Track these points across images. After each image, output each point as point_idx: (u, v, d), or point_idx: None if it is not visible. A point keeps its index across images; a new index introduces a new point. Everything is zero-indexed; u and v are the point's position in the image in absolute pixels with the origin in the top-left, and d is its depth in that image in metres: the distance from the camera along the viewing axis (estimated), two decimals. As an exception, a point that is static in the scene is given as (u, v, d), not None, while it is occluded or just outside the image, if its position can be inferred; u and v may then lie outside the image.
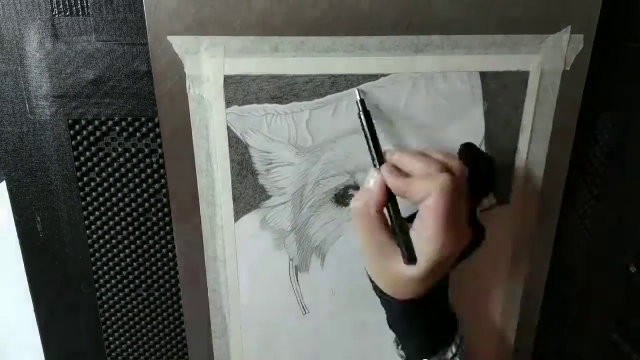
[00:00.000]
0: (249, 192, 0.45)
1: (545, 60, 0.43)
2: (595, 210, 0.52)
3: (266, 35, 0.41)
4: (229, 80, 0.42)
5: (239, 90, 0.42)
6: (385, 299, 0.41)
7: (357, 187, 0.46)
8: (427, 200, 0.37)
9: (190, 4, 0.39)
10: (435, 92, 0.44)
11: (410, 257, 0.38)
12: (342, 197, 0.46)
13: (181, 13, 0.39)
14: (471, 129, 0.45)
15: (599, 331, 0.57)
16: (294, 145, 0.44)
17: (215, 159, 0.44)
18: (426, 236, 0.37)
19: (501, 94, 0.44)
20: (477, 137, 0.45)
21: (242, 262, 0.48)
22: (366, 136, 0.41)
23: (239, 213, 0.46)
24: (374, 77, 0.43)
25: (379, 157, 0.41)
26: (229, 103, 0.42)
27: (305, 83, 0.42)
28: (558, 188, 0.49)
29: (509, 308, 0.52)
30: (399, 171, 0.40)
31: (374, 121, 0.42)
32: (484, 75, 0.43)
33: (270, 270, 0.48)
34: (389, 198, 0.39)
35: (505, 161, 0.46)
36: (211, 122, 0.43)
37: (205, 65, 0.41)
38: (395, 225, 0.39)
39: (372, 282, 0.42)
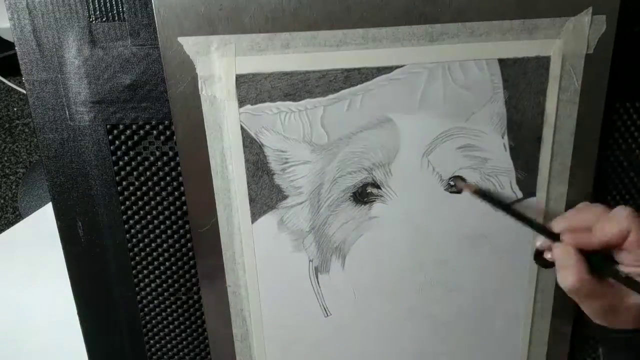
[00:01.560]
0: (265, 192, 0.45)
1: (566, 44, 0.42)
2: (626, 200, 0.49)
3: (276, 31, 0.40)
4: (240, 79, 0.41)
5: (251, 89, 0.42)
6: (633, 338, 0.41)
7: (375, 184, 0.45)
8: (631, 237, 0.38)
9: (199, 4, 0.39)
10: (453, 82, 0.42)
11: None
12: (361, 195, 0.45)
13: (190, 13, 0.39)
14: (493, 119, 0.44)
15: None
16: (308, 143, 0.43)
17: (229, 160, 0.43)
18: None
19: (522, 81, 0.43)
20: (500, 128, 0.44)
21: (260, 264, 0.47)
22: (526, 222, 0.43)
23: (255, 214, 0.45)
24: (388, 69, 0.42)
25: (549, 233, 0.42)
26: (241, 102, 0.42)
27: (318, 79, 0.42)
28: (587, 179, 0.47)
29: (538, 306, 0.50)
30: (577, 230, 0.41)
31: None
32: (502, 63, 0.42)
33: (290, 272, 0.48)
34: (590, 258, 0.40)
35: (529, 151, 0.45)
36: (224, 123, 0.42)
37: (217, 64, 0.41)
38: (615, 274, 0.40)
39: (613, 332, 0.42)
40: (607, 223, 0.39)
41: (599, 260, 0.40)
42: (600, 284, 0.40)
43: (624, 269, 0.40)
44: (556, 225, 0.42)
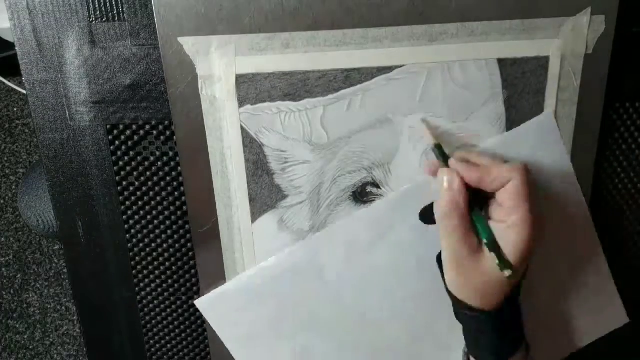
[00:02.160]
0: (265, 192, 0.45)
1: (565, 44, 0.42)
2: (626, 200, 0.49)
3: (276, 31, 0.40)
4: (240, 79, 0.41)
5: (251, 89, 0.42)
6: (470, 314, 0.40)
7: (374, 184, 0.45)
8: (508, 185, 0.37)
9: (199, 4, 0.39)
10: (452, 82, 0.42)
11: (505, 263, 0.38)
12: (360, 195, 0.45)
13: (190, 13, 0.39)
14: (492, 119, 0.44)
15: None
16: (308, 143, 0.43)
17: (230, 160, 0.44)
18: (513, 222, 0.37)
19: (521, 81, 0.43)
20: (499, 128, 0.44)
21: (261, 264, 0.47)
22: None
23: (255, 214, 0.45)
24: (388, 69, 0.42)
25: (444, 156, 0.41)
26: (241, 102, 0.42)
27: (318, 78, 0.42)
28: (586, 179, 0.47)
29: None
30: (469, 163, 0.40)
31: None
32: (502, 62, 0.42)
33: (290, 272, 0.47)
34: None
35: (528, 151, 0.45)
36: (224, 123, 0.43)
37: (216, 65, 0.41)
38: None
39: (456, 299, 0.41)
40: (496, 166, 0.39)
41: (473, 205, 0.39)
42: (468, 229, 0.39)
43: (490, 223, 0.39)
44: (455, 154, 0.42)
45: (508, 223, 0.37)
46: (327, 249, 0.46)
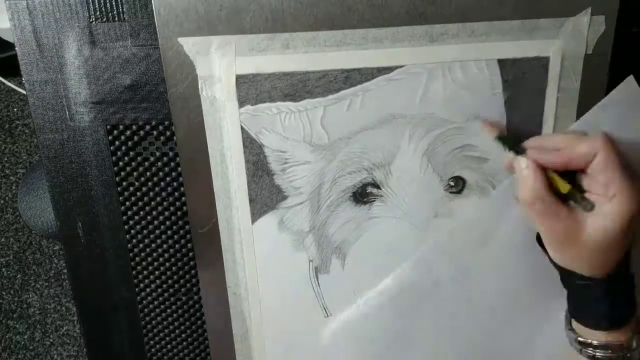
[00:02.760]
0: (265, 192, 0.45)
1: (565, 45, 0.42)
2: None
3: (276, 31, 0.40)
4: (240, 80, 0.41)
5: (251, 89, 0.42)
6: (581, 283, 0.40)
7: (374, 184, 0.45)
8: (597, 159, 0.37)
9: (200, 4, 0.39)
10: (452, 83, 0.42)
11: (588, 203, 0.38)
12: (360, 195, 0.45)
13: (190, 14, 0.39)
14: (492, 119, 0.44)
15: None
16: (308, 143, 0.43)
17: (229, 160, 0.44)
18: (612, 193, 0.37)
19: (521, 81, 0.43)
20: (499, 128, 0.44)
21: (261, 265, 0.47)
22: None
23: (255, 214, 0.45)
24: (388, 70, 0.42)
25: (517, 148, 0.41)
26: (241, 103, 0.42)
27: (318, 79, 0.42)
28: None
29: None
30: (545, 148, 0.40)
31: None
32: (502, 63, 0.42)
33: (290, 272, 0.47)
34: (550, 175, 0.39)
35: (528, 151, 0.45)
36: (224, 123, 0.42)
37: (216, 65, 0.41)
38: (574, 195, 0.39)
39: (565, 271, 0.41)
40: (577, 143, 0.38)
41: (562, 181, 0.39)
42: (559, 205, 0.39)
43: (590, 196, 0.39)
44: (528, 143, 0.42)
45: (608, 195, 0.37)
46: (438, 261, 0.46)
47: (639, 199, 0.37)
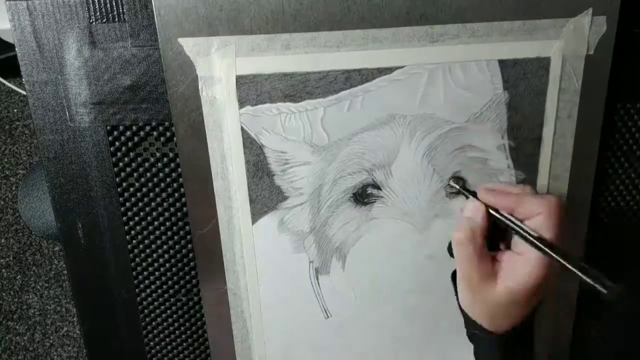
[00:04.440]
0: (266, 193, 0.45)
1: (566, 45, 0.42)
2: (627, 201, 0.49)
3: (277, 32, 0.40)
4: (241, 80, 0.41)
5: (251, 90, 0.42)
6: (481, 335, 0.41)
7: (375, 185, 0.45)
8: (537, 218, 0.37)
9: (200, 5, 0.39)
10: (453, 83, 0.42)
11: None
12: (361, 196, 0.45)
13: (191, 14, 0.39)
14: (492, 120, 0.44)
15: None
16: (309, 144, 0.43)
17: (230, 161, 0.43)
18: (535, 254, 0.37)
19: (522, 82, 0.43)
20: (500, 129, 0.44)
21: (261, 265, 0.47)
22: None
23: (255, 215, 0.45)
24: (388, 70, 0.42)
25: (469, 192, 0.43)
26: (242, 103, 0.42)
27: (318, 80, 0.42)
28: (587, 180, 0.46)
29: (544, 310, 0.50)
30: (499, 192, 0.41)
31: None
32: (502, 64, 0.42)
33: (290, 273, 0.47)
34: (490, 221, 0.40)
35: (529, 152, 0.45)
36: (225, 124, 0.42)
37: (217, 66, 0.41)
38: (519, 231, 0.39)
39: (468, 318, 0.41)
40: (529, 197, 0.39)
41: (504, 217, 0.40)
42: (486, 254, 0.39)
43: (514, 243, 0.40)
44: (481, 187, 0.42)
45: (529, 254, 0.38)
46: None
47: (551, 271, 0.37)
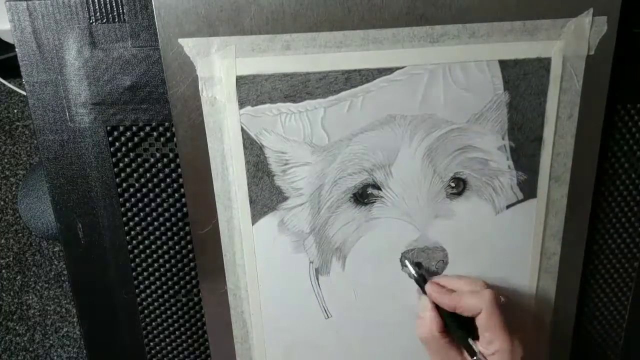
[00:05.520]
0: (266, 193, 0.45)
1: (567, 45, 0.42)
2: (628, 202, 0.49)
3: (277, 32, 0.40)
4: (241, 81, 0.41)
5: (251, 90, 0.42)
6: None
7: (375, 186, 0.45)
8: (481, 314, 0.41)
9: (200, 5, 0.39)
10: (453, 84, 0.42)
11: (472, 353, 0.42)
12: (361, 197, 0.45)
13: (191, 15, 0.39)
14: (493, 120, 0.43)
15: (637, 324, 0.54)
16: (309, 144, 0.43)
17: (230, 161, 0.43)
18: (492, 350, 0.40)
19: (522, 82, 0.43)
20: (500, 129, 0.44)
21: (261, 266, 0.47)
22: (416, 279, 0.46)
23: (256, 215, 0.45)
24: (389, 71, 0.42)
25: (423, 288, 0.45)
26: (242, 104, 0.42)
27: (318, 80, 0.42)
28: (588, 180, 0.46)
29: (541, 307, 0.50)
30: (444, 289, 0.44)
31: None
32: (503, 64, 0.42)
33: (290, 274, 0.47)
34: (447, 315, 0.43)
35: (530, 153, 0.45)
36: (225, 124, 0.42)
37: (217, 66, 0.41)
38: (465, 344, 0.42)
39: None
40: (466, 295, 0.42)
41: (456, 325, 0.43)
42: (450, 347, 0.42)
43: (477, 345, 0.42)
44: (432, 280, 0.46)
45: (490, 350, 0.41)
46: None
47: (520, 356, 0.40)
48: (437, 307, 0.44)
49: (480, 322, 0.41)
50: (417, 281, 0.46)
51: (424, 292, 0.45)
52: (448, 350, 0.42)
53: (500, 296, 0.41)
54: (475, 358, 0.41)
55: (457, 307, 0.42)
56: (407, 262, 0.46)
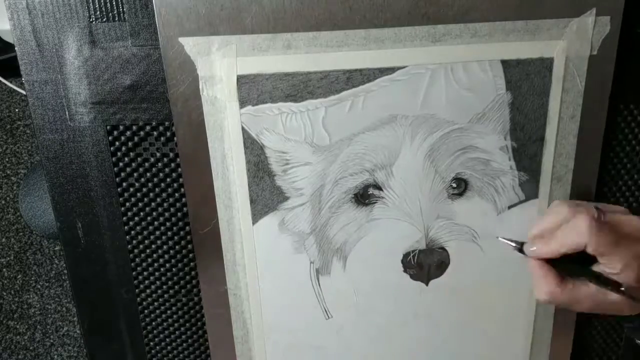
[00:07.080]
0: (266, 193, 0.44)
1: (569, 45, 0.41)
2: (630, 202, 0.49)
3: (278, 32, 0.40)
4: (241, 80, 0.41)
5: (252, 90, 0.41)
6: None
7: (376, 186, 0.44)
8: (589, 248, 0.37)
9: (200, 4, 0.39)
10: (455, 83, 0.42)
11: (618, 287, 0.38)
12: (362, 197, 0.45)
13: (191, 13, 0.39)
14: (495, 120, 0.43)
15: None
16: (310, 144, 0.43)
17: (230, 161, 0.43)
18: (617, 270, 0.38)
19: (525, 82, 0.42)
20: (502, 129, 0.44)
21: (261, 266, 0.47)
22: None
23: (256, 215, 0.45)
24: (390, 70, 0.41)
25: (521, 250, 0.42)
26: (242, 103, 0.42)
27: (320, 79, 0.41)
28: (590, 181, 0.46)
29: (544, 307, 0.50)
30: (543, 239, 0.40)
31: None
32: (505, 64, 0.42)
33: (291, 274, 0.47)
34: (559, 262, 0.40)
35: (532, 153, 0.44)
36: (225, 123, 0.42)
37: (218, 65, 0.40)
38: (587, 275, 0.39)
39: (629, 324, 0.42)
40: (566, 233, 0.39)
41: (570, 264, 0.40)
42: (578, 288, 0.39)
43: (597, 267, 0.39)
44: (529, 233, 0.42)
45: (616, 269, 0.38)
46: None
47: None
48: (547, 262, 0.40)
49: (590, 250, 0.38)
50: (518, 250, 0.42)
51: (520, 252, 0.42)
52: (582, 293, 0.39)
53: (594, 214, 0.38)
54: (622, 289, 0.38)
55: (560, 251, 0.39)
56: (501, 239, 0.44)
